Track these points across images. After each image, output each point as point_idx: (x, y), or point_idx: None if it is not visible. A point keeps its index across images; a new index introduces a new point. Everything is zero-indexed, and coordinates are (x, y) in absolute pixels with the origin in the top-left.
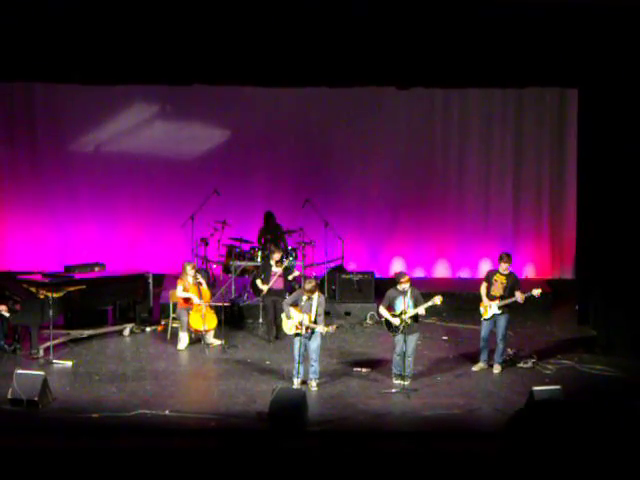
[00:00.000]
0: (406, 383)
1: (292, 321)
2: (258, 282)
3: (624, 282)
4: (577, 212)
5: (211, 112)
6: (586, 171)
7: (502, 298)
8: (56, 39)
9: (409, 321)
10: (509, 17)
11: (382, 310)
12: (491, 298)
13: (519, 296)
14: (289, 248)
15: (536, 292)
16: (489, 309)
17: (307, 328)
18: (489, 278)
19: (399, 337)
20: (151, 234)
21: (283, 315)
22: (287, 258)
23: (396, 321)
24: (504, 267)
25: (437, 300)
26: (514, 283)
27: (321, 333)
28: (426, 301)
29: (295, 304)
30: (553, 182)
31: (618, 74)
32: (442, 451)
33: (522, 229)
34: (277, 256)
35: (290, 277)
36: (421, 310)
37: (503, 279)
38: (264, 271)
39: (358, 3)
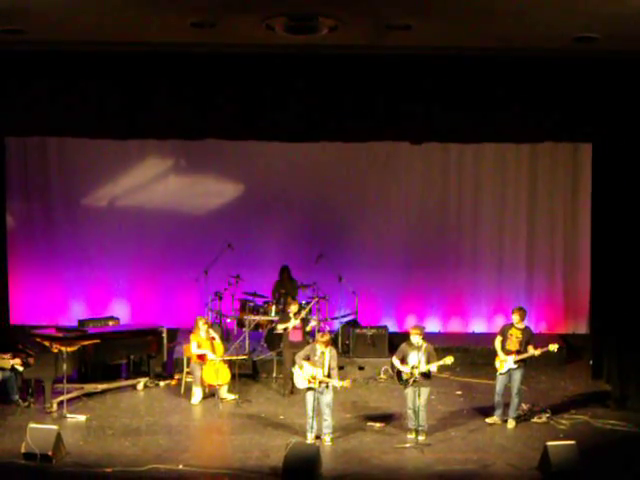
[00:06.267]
0: (420, 438)
1: (304, 374)
2: (279, 326)
3: (638, 337)
4: (591, 268)
5: (225, 166)
6: (600, 226)
7: (518, 352)
8: (70, 94)
9: (419, 376)
10: (521, 73)
11: (394, 360)
12: (506, 352)
13: (535, 350)
14: (302, 302)
15: (553, 347)
16: (505, 363)
17: (320, 382)
18: (504, 332)
19: (409, 390)
20: (165, 288)
21: (295, 368)
22: (304, 309)
23: (406, 373)
24: (518, 320)
25: (448, 361)
26: (529, 337)
27: (335, 387)
28: (439, 359)
29: (307, 358)
30: (567, 237)
31: (633, 128)
32: None
33: (536, 284)
34: (294, 308)
35: (308, 328)
36: (433, 367)
37: (518, 333)
38: (282, 321)
39: (373, 61)
